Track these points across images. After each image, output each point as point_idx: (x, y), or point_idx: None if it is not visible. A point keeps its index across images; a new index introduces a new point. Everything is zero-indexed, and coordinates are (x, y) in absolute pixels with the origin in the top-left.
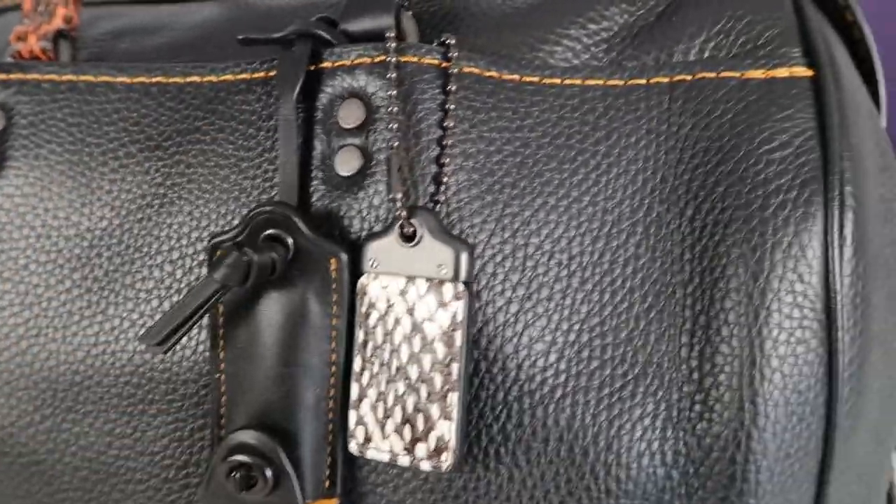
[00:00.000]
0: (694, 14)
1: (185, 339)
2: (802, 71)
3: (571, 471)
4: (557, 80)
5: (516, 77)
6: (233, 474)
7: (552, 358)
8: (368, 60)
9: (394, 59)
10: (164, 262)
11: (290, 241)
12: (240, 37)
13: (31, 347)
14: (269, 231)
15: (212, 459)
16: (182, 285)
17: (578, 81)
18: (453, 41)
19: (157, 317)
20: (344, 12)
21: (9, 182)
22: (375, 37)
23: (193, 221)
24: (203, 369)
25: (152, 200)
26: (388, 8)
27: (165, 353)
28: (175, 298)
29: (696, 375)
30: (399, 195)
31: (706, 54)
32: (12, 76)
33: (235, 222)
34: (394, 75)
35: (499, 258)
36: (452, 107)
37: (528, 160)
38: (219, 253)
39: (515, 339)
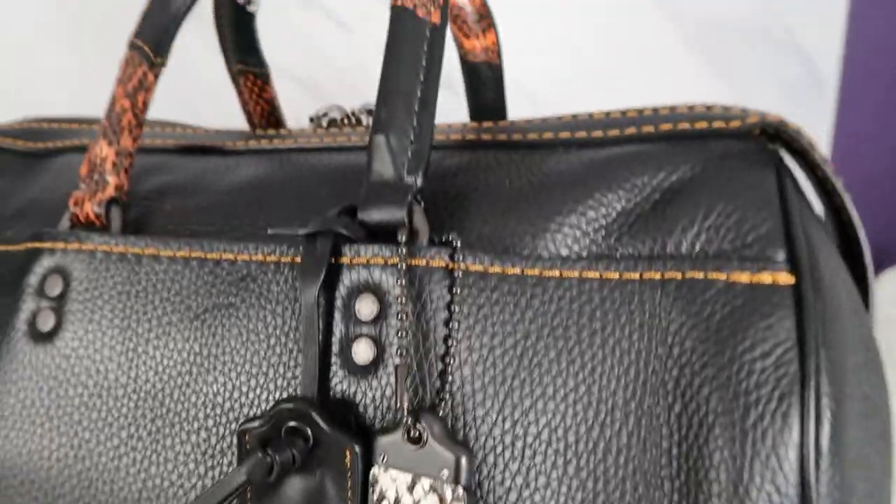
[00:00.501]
0: (687, 206)
1: None
2: (785, 277)
3: None
4: (556, 273)
5: (518, 270)
6: None
7: None
8: (382, 261)
9: (403, 266)
10: (200, 429)
11: (309, 433)
12: (269, 231)
13: (82, 497)
14: (291, 423)
15: None
16: (216, 451)
17: (576, 274)
18: (458, 243)
19: (194, 480)
20: (362, 201)
21: (65, 343)
22: (390, 229)
23: (227, 392)
24: None
25: (191, 368)
26: (401, 203)
27: None
28: (210, 463)
29: None
30: (405, 403)
31: (697, 248)
32: (70, 245)
33: (265, 396)
34: (403, 281)
35: (499, 449)
36: (457, 308)
37: (528, 350)
38: (246, 439)
39: None
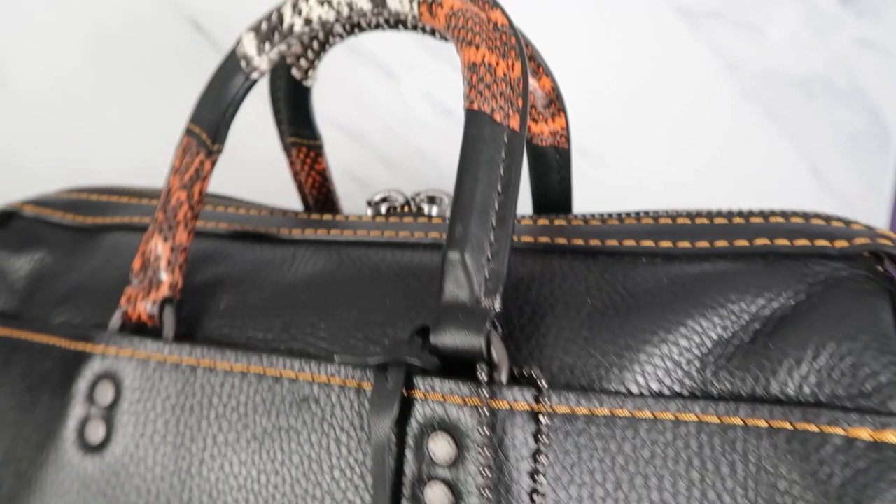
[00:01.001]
0: (792, 341)
1: None
2: None
3: None
4: (649, 414)
5: (607, 410)
6: None
7: None
8: (460, 400)
9: (486, 414)
10: None
11: None
12: (337, 358)
13: None
14: None
15: None
16: None
17: (671, 415)
18: (544, 383)
19: None
20: (435, 324)
21: (116, 458)
22: (466, 359)
23: None
24: None
25: (248, 495)
26: (478, 330)
27: None
28: None
29: None
30: None
31: (806, 391)
32: (123, 351)
33: None
34: (486, 431)
35: None
36: (544, 459)
37: (619, 500)
38: None
39: None
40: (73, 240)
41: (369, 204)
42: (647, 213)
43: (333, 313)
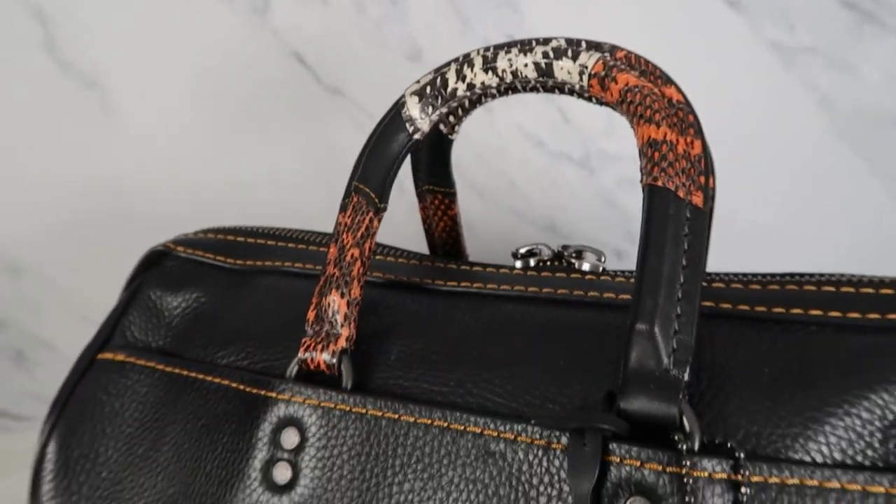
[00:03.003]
0: None
1: None
2: None
3: None
4: (837, 485)
5: (797, 480)
6: None
7: None
8: (659, 467)
9: (690, 481)
10: None
11: None
12: (533, 421)
13: None
14: None
15: None
16: None
17: (859, 487)
18: (742, 455)
19: None
20: (623, 389)
21: (304, 488)
22: (656, 426)
23: None
24: None
25: None
26: (670, 400)
27: None
28: None
29: None
30: None
31: None
32: (309, 400)
33: None
34: (693, 500)
35: None
36: None
37: None
38: None
39: None
40: (228, 282)
41: (515, 256)
42: (791, 278)
43: (507, 372)
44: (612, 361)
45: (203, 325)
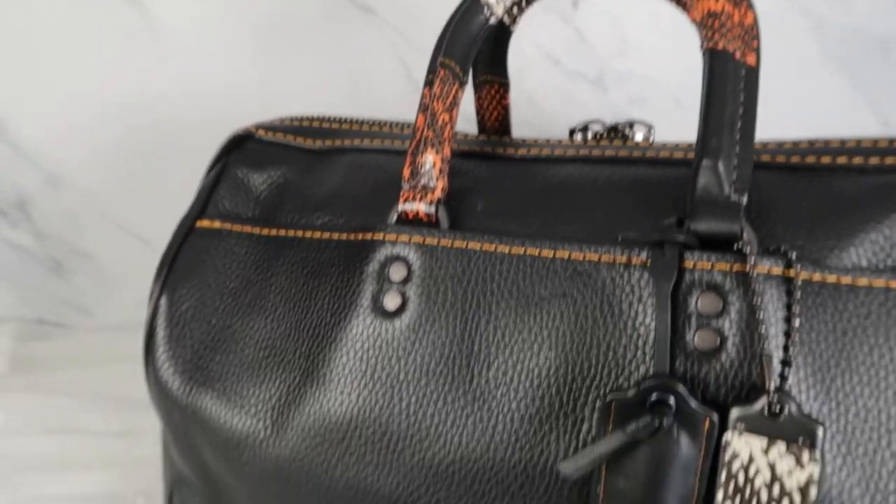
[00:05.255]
0: None
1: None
2: None
3: None
4: (866, 282)
5: (835, 279)
6: None
7: (866, 500)
8: (727, 267)
9: (754, 274)
10: (534, 397)
11: (672, 404)
12: (619, 237)
13: (430, 445)
14: (657, 395)
15: None
16: (544, 415)
17: (882, 283)
18: (793, 255)
19: (524, 430)
20: (692, 213)
21: (410, 318)
22: (722, 240)
23: (554, 366)
24: (580, 479)
25: (522, 346)
26: (733, 218)
27: (573, 478)
28: (546, 427)
29: None
30: (771, 385)
31: None
32: (413, 238)
33: (597, 369)
34: (755, 286)
35: (827, 423)
36: (796, 308)
37: (846, 346)
38: (613, 407)
39: (839, 485)
40: (309, 160)
41: (572, 132)
42: (817, 140)
43: (583, 216)
44: (675, 205)
45: (290, 196)
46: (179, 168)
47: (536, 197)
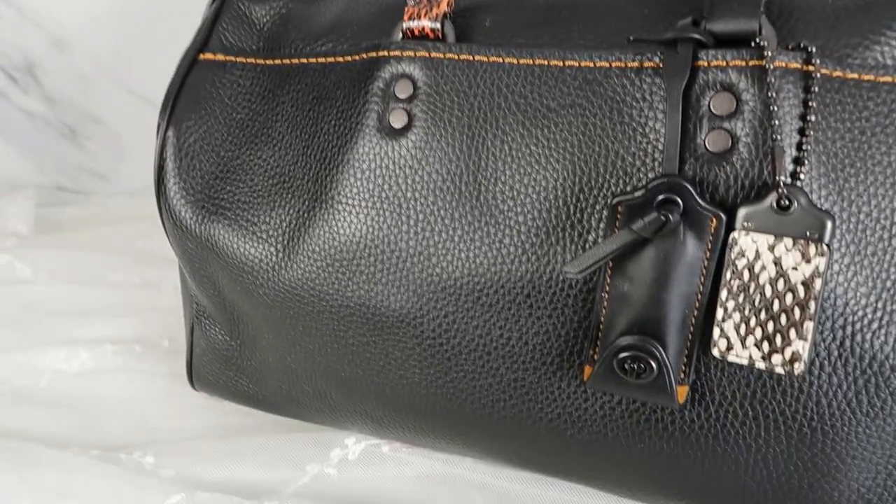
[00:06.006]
0: None
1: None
2: None
3: (878, 379)
4: (889, 79)
5: (856, 76)
6: (626, 365)
7: (872, 298)
8: (742, 63)
9: (771, 66)
10: (550, 209)
11: (680, 204)
12: (631, 38)
13: (439, 263)
14: (664, 195)
15: (600, 355)
16: (559, 226)
17: (889, 79)
18: (813, 49)
19: (546, 249)
20: (710, 12)
21: (417, 137)
22: (740, 38)
23: (571, 177)
24: (584, 288)
25: (534, 159)
26: (753, 15)
27: (579, 278)
28: (558, 236)
29: None
30: (780, 178)
31: None
32: (419, 53)
33: (605, 181)
34: (771, 79)
35: (838, 222)
36: (813, 104)
37: (863, 145)
38: (619, 209)
39: (846, 284)
40: None
41: None
42: None
43: (596, 22)
44: (693, 8)
45: (294, 25)
46: (186, 29)
47: (548, 10)
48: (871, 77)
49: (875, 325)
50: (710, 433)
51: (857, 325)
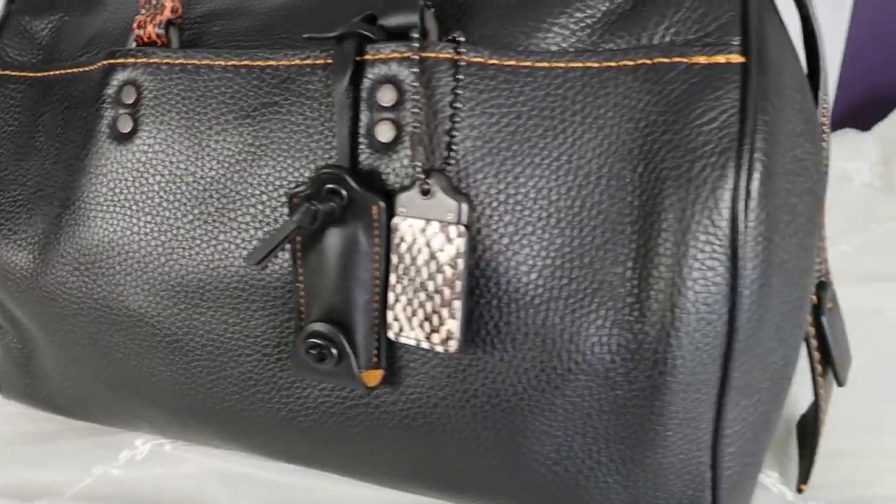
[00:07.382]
0: (661, 4)
1: (274, 259)
2: (736, 58)
3: (544, 355)
4: (546, 64)
5: (513, 63)
6: (311, 351)
7: (533, 276)
8: (398, 55)
9: (417, 56)
10: (257, 203)
11: (344, 193)
12: (305, 35)
13: (167, 262)
14: (330, 186)
15: (295, 342)
16: (270, 220)
17: (562, 65)
18: (462, 39)
19: (255, 244)
20: (382, 10)
21: (142, 141)
22: (406, 31)
23: (276, 173)
24: (287, 280)
25: (247, 157)
26: (414, 9)
27: (261, 269)
28: (266, 229)
29: (635, 291)
30: (419, 163)
31: (667, 39)
32: (140, 60)
33: (306, 174)
34: (416, 69)
35: (495, 204)
36: (461, 91)
37: (520, 129)
38: (294, 201)
39: (506, 263)
40: (88, 2)
41: None
42: None
43: (305, 21)
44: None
45: (65, 37)
46: None
47: (270, 15)
48: (529, 63)
49: (537, 302)
50: (409, 416)
51: (521, 303)
